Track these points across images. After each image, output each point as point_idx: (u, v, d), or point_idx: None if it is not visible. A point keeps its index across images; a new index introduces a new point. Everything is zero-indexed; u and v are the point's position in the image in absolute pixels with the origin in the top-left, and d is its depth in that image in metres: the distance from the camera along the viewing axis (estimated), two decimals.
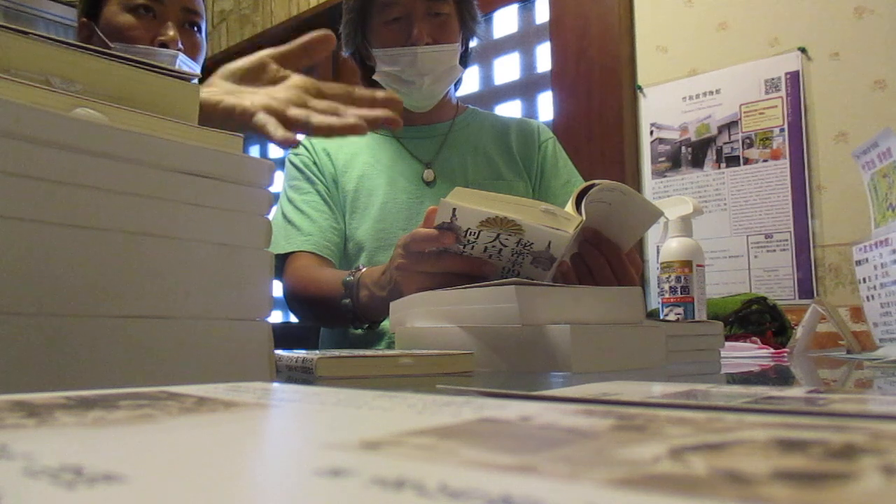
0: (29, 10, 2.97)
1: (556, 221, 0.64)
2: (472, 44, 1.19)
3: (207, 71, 0.65)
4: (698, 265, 0.84)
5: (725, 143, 1.72)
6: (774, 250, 1.63)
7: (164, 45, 1.02)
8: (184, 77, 0.42)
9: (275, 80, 0.62)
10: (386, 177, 1.12)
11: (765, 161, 1.65)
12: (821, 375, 0.53)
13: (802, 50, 1.60)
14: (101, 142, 0.32)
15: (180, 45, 1.03)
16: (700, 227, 1.30)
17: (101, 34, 1.04)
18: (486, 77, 2.22)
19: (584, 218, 0.65)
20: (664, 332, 0.59)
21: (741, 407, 0.23)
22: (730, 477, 0.10)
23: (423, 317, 0.60)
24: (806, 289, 1.57)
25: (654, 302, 0.92)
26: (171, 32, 1.03)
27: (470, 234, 0.66)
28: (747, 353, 0.82)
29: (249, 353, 0.37)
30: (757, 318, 0.99)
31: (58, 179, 0.31)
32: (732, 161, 1.70)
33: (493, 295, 0.52)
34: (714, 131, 1.73)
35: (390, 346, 1.00)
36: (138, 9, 1.03)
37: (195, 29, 1.09)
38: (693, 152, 1.76)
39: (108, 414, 0.18)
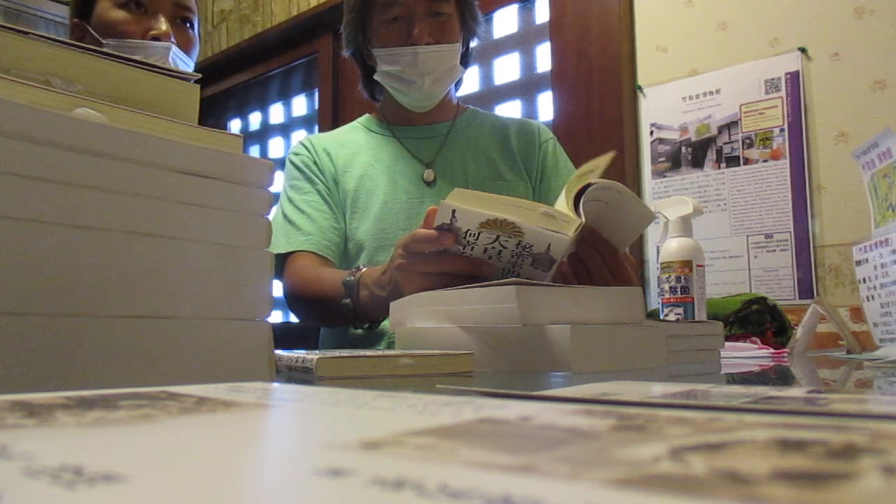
0: (29, 10, 2.97)
1: (555, 224, 0.64)
2: (473, 44, 1.19)
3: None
4: (698, 265, 0.84)
5: (725, 144, 1.71)
6: (774, 250, 1.63)
7: (156, 38, 1.02)
8: (184, 77, 0.42)
9: None
10: (386, 176, 1.12)
11: (765, 161, 1.65)
12: (821, 375, 0.53)
13: (802, 50, 1.60)
14: (101, 142, 0.32)
15: (173, 39, 1.03)
16: (700, 227, 1.30)
17: (93, 32, 1.03)
18: (486, 77, 2.22)
19: (583, 220, 0.65)
20: (664, 332, 0.58)
21: (741, 407, 0.23)
22: (730, 477, 0.10)
23: (423, 317, 0.60)
24: (806, 289, 1.57)
25: (654, 302, 0.92)
26: (164, 27, 1.03)
27: (470, 236, 0.66)
28: (747, 353, 0.82)
29: (249, 353, 0.37)
30: (757, 318, 0.99)
31: (58, 179, 0.31)
32: (732, 161, 1.70)
33: (493, 295, 0.52)
34: (714, 131, 1.73)
35: (390, 346, 1.00)
36: (129, 4, 1.03)
37: (187, 25, 1.09)
38: (693, 152, 1.76)
39: (108, 414, 0.18)
